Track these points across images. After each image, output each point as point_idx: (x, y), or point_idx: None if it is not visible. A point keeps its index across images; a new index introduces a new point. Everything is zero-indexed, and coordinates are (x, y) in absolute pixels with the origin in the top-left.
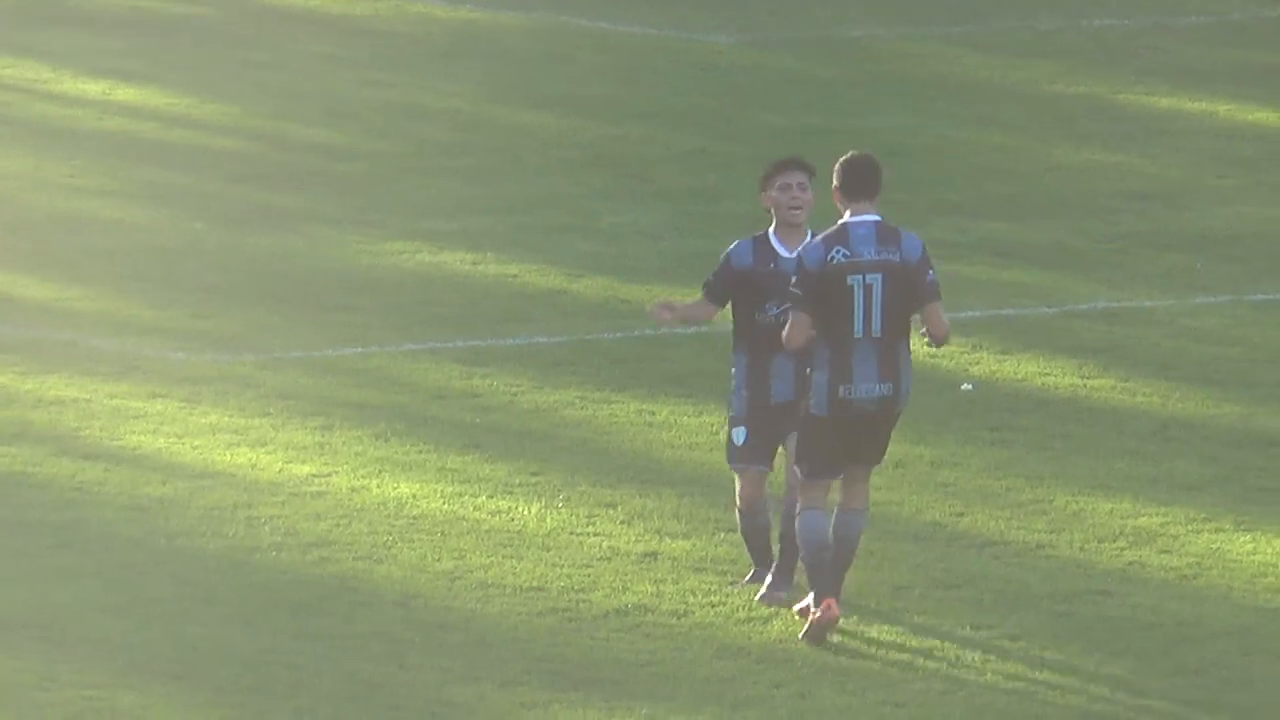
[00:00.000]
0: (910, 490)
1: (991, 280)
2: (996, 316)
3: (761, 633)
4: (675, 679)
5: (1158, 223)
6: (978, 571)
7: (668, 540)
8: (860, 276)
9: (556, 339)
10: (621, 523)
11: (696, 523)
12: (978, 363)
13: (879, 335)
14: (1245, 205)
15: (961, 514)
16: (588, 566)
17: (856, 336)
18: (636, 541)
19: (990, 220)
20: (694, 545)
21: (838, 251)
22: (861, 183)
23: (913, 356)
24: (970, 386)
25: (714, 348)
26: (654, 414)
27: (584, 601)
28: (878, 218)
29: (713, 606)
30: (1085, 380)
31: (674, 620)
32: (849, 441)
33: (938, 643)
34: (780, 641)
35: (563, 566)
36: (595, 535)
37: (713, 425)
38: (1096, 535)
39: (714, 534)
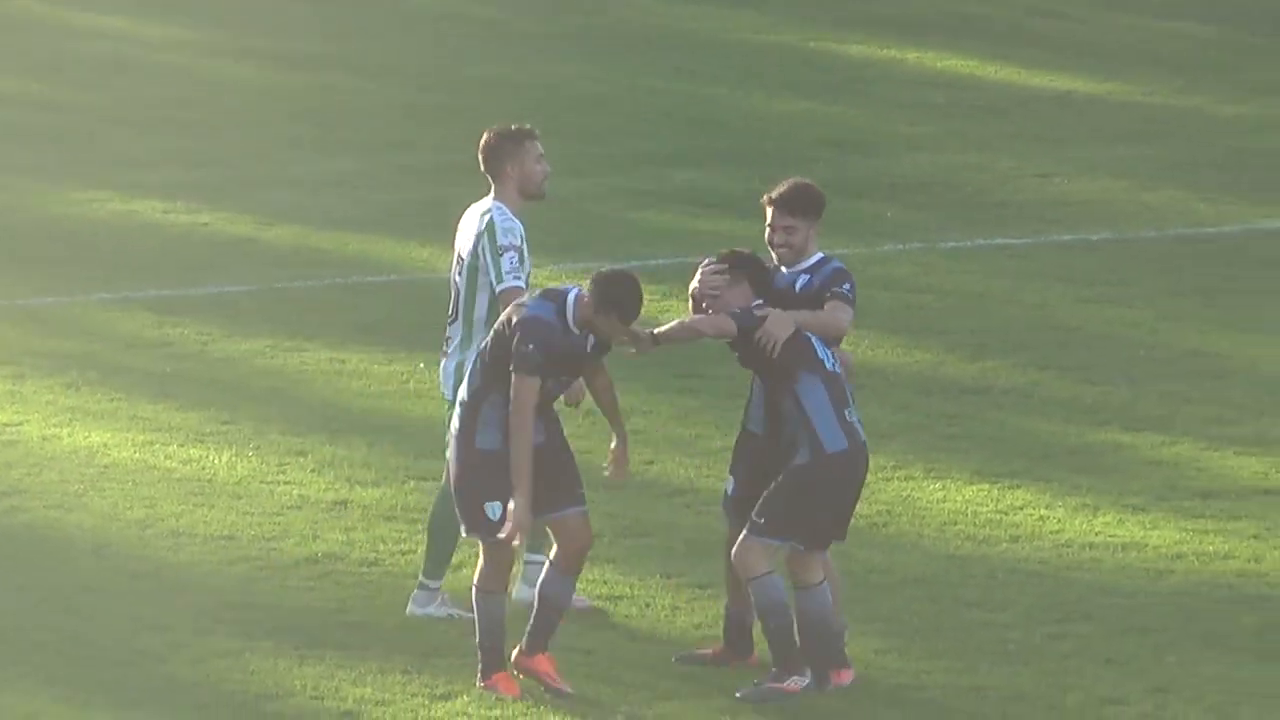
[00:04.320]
0: (600, 439)
1: (684, 229)
2: (688, 264)
3: (451, 581)
4: (367, 627)
5: (850, 170)
6: (668, 520)
7: (358, 489)
8: None
9: (247, 288)
10: (312, 471)
11: (386, 471)
12: (668, 310)
13: None
14: (936, 153)
15: (651, 462)
16: (278, 515)
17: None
18: (327, 490)
19: (687, 169)
20: (384, 494)
21: None
22: None
23: None
24: None
25: (405, 296)
26: (344, 362)
27: (275, 550)
28: None
29: (403, 555)
30: None
31: (365, 569)
32: None
33: (628, 590)
34: (469, 589)
35: (254, 515)
36: (286, 484)
37: (402, 374)
38: None
39: (404, 482)
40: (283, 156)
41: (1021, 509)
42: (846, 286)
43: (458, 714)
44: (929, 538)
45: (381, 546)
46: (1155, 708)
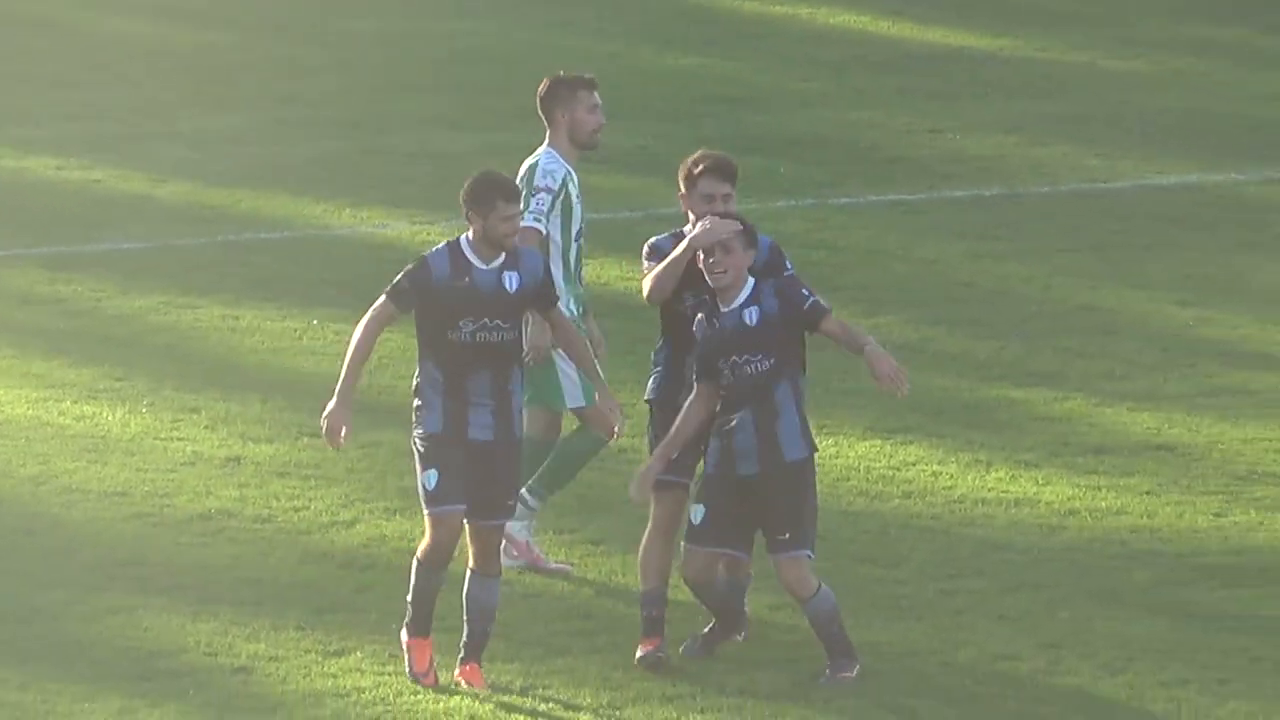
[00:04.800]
0: None
1: None
2: None
3: (345, 537)
4: (260, 583)
5: (743, 126)
6: None
7: (251, 445)
8: None
9: (140, 245)
10: (205, 428)
11: (279, 427)
12: None
13: None
14: (828, 109)
15: None
16: (172, 471)
17: None
18: (220, 446)
19: None
20: (277, 450)
21: None
22: None
23: None
24: None
25: (298, 252)
26: (238, 319)
27: (168, 506)
28: None
29: (296, 511)
30: None
31: (258, 525)
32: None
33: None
34: (364, 546)
35: (147, 471)
36: (179, 440)
37: (296, 330)
38: None
39: (297, 439)
40: (174, 113)
41: (914, 465)
42: (790, 266)
43: (351, 670)
44: (822, 494)
45: (275, 503)
46: (1048, 663)
